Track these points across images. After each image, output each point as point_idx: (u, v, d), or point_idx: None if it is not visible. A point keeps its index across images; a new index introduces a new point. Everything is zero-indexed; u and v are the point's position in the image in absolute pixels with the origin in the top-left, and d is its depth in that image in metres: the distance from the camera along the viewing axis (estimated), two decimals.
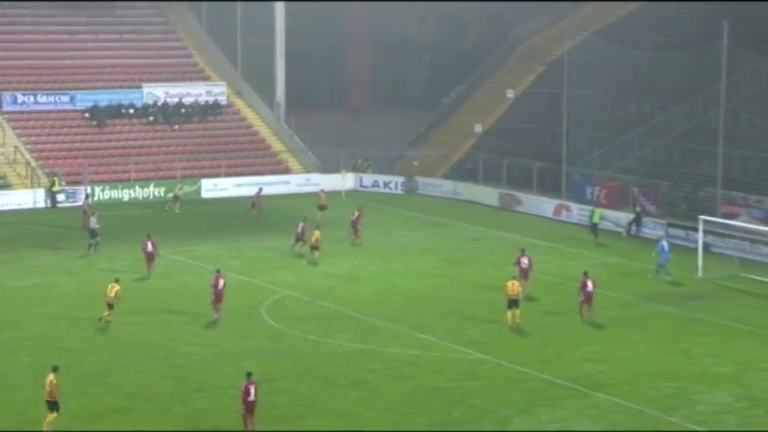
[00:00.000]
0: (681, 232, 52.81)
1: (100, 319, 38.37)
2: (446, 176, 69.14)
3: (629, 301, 42.26)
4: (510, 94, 73.93)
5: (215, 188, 65.87)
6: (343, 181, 67.18)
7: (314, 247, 47.87)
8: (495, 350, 35.84)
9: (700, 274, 45.94)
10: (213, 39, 76.73)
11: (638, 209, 55.75)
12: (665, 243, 46.06)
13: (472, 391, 32.16)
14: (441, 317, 40.10)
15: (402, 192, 67.78)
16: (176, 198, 60.80)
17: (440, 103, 79.90)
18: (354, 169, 69.46)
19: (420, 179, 68.48)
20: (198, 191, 65.21)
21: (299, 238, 49.13)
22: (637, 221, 55.25)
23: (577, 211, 58.48)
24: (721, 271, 46.30)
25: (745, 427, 29.72)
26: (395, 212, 60.97)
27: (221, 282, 39.34)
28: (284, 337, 37.55)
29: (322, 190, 60.86)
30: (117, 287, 38.53)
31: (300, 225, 49.51)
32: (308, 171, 69.63)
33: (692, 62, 63.28)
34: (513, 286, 38.80)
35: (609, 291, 42.52)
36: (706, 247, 48.09)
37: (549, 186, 62.75)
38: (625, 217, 56.18)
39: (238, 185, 66.08)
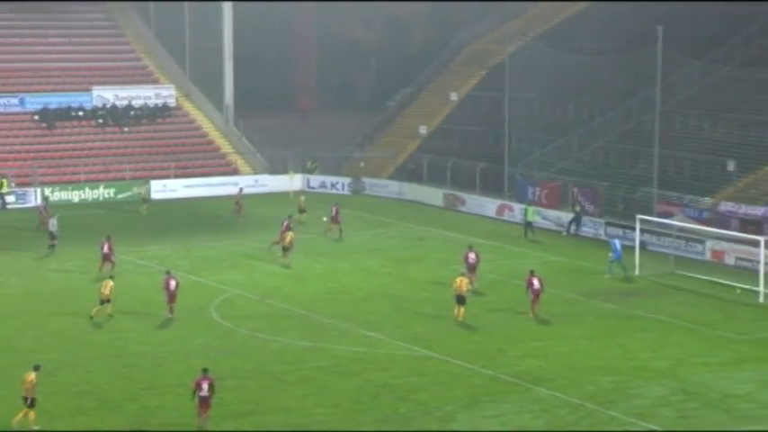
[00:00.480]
0: (618, 231, 53.33)
1: (91, 317, 38.41)
2: (392, 177, 69.26)
3: (570, 298, 42.62)
4: (454, 96, 74.23)
5: (164, 189, 65.43)
6: (291, 182, 67.07)
7: (286, 249, 47.19)
8: (440, 347, 35.99)
9: (637, 271, 46.43)
10: (161, 42, 76.20)
11: (578, 209, 56.25)
12: (617, 242, 46.28)
13: (418, 387, 32.26)
14: (387, 314, 40.18)
15: (349, 192, 67.75)
16: (144, 200, 60.40)
17: (385, 106, 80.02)
18: (302, 170, 69.37)
19: (366, 180, 68.52)
20: (147, 192, 64.72)
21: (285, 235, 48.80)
22: (576, 221, 55.74)
23: (519, 211, 58.78)
24: (658, 269, 46.84)
25: (681, 420, 30.12)
26: (342, 213, 61.03)
27: (173, 282, 39.14)
28: (233, 336, 37.42)
29: (301, 194, 61.01)
30: (111, 284, 38.69)
31: (285, 223, 49.28)
32: (256, 172, 69.41)
33: (629, 66, 64.00)
34: (461, 283, 39.11)
35: (550, 288, 42.79)
36: (643, 245, 48.62)
37: (492, 187, 63.12)
38: (565, 216, 56.66)
39: (187, 187, 65.74)
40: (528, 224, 54.67)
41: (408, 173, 68.68)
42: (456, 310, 38.94)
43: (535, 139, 66.12)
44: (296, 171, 68.42)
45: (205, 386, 28.67)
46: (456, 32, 79.05)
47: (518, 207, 59.11)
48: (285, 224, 48.98)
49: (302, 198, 59.33)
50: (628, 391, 32.06)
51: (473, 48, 77.02)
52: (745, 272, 46.37)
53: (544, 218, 57.27)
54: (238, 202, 58.18)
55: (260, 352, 35.51)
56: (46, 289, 42.80)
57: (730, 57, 63.77)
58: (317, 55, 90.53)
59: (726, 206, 51.98)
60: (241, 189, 60.34)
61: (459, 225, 57.57)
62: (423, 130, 72.78)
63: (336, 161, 71.58)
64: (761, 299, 42.38)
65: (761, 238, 43.88)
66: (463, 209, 62.19)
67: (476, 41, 77.32)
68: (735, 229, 49.50)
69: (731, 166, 55.55)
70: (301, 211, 57.35)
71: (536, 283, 39.69)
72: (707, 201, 54.13)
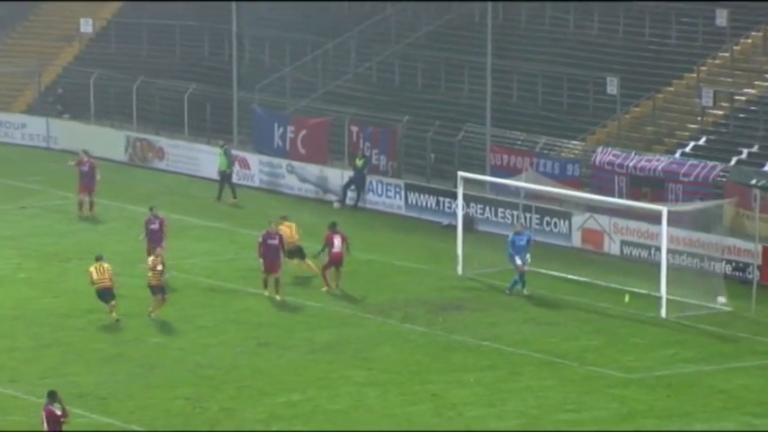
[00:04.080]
0: (429, 200, 54.52)
1: (117, 320, 41.70)
2: (31, 111, 68.84)
3: (346, 317, 43.39)
4: None
5: None
6: None
7: (156, 289, 43.46)
8: (124, 407, 36.08)
9: (460, 269, 47.66)
10: None
11: (360, 162, 57.21)
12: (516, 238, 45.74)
13: None
14: (28, 353, 40.12)
15: None
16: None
17: None
18: None
19: None
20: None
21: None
22: (357, 183, 56.70)
23: (260, 167, 59.46)
24: (493, 263, 48.06)
25: None
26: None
27: None
28: None
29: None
30: (106, 265, 42.25)
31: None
32: None
33: None
34: (290, 230, 44.25)
35: (311, 301, 43.56)
36: (469, 223, 49.91)
37: (212, 127, 63.41)
38: (339, 176, 57.52)
39: None
40: (222, 177, 56.51)
41: (61, 102, 68.27)
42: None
43: (284, 43, 66.61)
44: None
45: (43, 415, 31.01)
46: None
47: (257, 160, 59.70)
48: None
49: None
50: None
51: None
52: (637, 265, 48.25)
53: (302, 179, 58.06)
54: None
55: None
56: None
57: None
58: None
59: (605, 155, 53.79)
60: None
61: (152, 192, 57.57)
62: (86, 25, 72.23)
63: None
64: (663, 312, 44.16)
65: (663, 208, 45.52)
66: (161, 165, 62.38)
67: None
68: (621, 194, 51.34)
69: (613, 85, 57.45)
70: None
71: (337, 243, 43.23)
72: (573, 146, 55.97)
